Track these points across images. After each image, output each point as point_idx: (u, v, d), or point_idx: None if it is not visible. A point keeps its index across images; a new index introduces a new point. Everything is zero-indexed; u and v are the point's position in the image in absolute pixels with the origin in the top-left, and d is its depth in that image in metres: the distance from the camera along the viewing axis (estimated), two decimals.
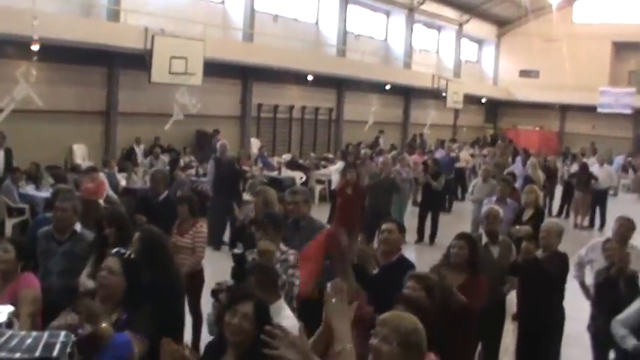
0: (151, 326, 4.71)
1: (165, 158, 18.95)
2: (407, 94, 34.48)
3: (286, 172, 21.17)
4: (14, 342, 3.49)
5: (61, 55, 18.12)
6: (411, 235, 15.90)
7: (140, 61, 18.72)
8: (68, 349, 3.44)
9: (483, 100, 41.11)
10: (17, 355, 3.34)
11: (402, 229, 6.77)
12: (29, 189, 14.53)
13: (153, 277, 5.53)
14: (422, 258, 12.69)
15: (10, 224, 13.17)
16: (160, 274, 5.73)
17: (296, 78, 26.53)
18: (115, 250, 5.26)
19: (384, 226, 6.56)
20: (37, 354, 3.35)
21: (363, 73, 28.85)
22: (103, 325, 4.14)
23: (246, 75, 24.86)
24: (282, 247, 6.48)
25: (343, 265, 5.42)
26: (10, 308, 4.13)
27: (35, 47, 17.16)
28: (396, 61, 34.01)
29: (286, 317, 5.22)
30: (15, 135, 16.25)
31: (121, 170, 17.21)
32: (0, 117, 17.49)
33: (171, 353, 3.94)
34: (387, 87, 31.29)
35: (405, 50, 34.09)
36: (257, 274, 5.34)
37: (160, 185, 9.54)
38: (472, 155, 26.91)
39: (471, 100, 37.33)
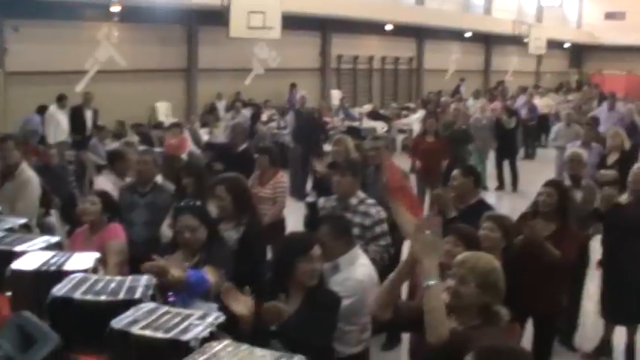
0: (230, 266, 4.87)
1: (246, 112, 19.12)
2: (487, 41, 33.83)
3: (368, 123, 21.15)
4: (99, 286, 3.62)
5: (141, 15, 18.37)
6: (493, 183, 15.77)
7: (218, 17, 18.84)
8: (150, 292, 3.55)
9: (566, 45, 39.97)
10: (102, 297, 3.46)
11: (469, 174, 6.70)
12: (114, 146, 14.85)
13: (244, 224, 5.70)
14: (503, 205, 12.57)
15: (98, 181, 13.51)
16: (249, 220, 5.85)
17: (375, 28, 26.31)
18: (183, 202, 5.36)
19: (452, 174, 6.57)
20: (121, 296, 3.47)
21: (443, 22, 28.40)
22: (174, 274, 4.25)
23: (324, 27, 24.79)
24: (361, 194, 6.48)
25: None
26: (96, 255, 4.27)
27: (115, 9, 17.46)
28: (476, 7, 33.35)
29: (361, 265, 5.22)
30: (100, 95, 16.63)
31: (203, 125, 17.46)
32: (85, 78, 17.92)
33: (234, 296, 4.02)
34: (467, 34, 30.77)
35: None
36: (329, 223, 5.37)
37: (239, 137, 9.70)
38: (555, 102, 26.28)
39: (553, 45, 36.32)
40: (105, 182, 7.49)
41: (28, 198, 7.00)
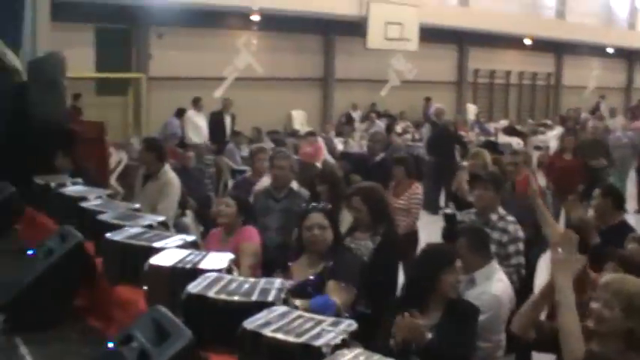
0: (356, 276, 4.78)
1: (381, 123, 19.08)
2: (631, 56, 32.54)
3: (503, 138, 20.71)
4: (233, 286, 3.62)
5: (280, 24, 18.67)
6: (633, 204, 15.08)
7: (356, 27, 18.91)
8: (283, 295, 3.52)
9: None
10: (235, 297, 3.46)
11: (608, 193, 6.40)
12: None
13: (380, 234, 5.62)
14: None
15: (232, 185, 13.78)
16: (386, 230, 5.77)
17: (513, 42, 25.81)
18: (312, 205, 5.32)
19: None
20: (254, 297, 3.45)
21: (584, 36, 27.52)
22: (298, 305, 4.20)
23: (462, 40, 24.53)
24: (501, 210, 6.29)
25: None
26: (230, 256, 4.29)
27: (255, 18, 17.79)
28: (620, 21, 32.15)
29: (499, 280, 5.09)
30: (237, 102, 16.99)
31: (337, 135, 17.53)
32: (224, 85, 18.33)
33: (409, 326, 3.95)
34: (609, 50, 29.70)
35: (629, 10, 32.12)
36: (468, 235, 5.23)
37: (377, 146, 9.62)
38: None
39: None
40: None
41: (169, 199, 7.14)
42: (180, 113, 16.31)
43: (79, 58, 15.78)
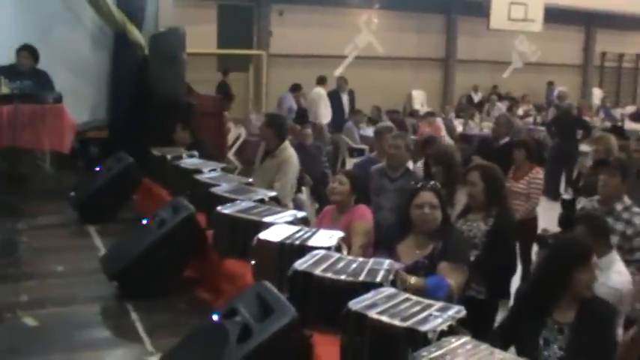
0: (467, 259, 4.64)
1: (502, 106, 18.65)
2: None
3: (630, 125, 19.87)
4: (340, 265, 3.55)
5: (402, 3, 18.47)
6: None
7: (479, 7, 18.52)
8: (391, 277, 3.42)
9: None
10: (342, 277, 3.38)
11: None
12: (369, 131, 15.02)
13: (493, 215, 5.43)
14: None
15: (350, 163, 13.74)
16: (499, 212, 5.57)
17: None
18: (421, 183, 5.15)
19: None
20: (361, 278, 3.37)
21: None
22: (411, 281, 4.08)
23: (589, 21, 23.62)
24: (627, 200, 5.95)
25: None
26: (339, 234, 4.22)
27: None
28: None
29: (617, 272, 4.80)
30: (358, 80, 16.91)
31: (457, 116, 17.25)
32: (344, 63, 18.28)
33: None
34: None
35: None
36: (586, 222, 4.95)
37: (502, 129, 9.34)
38: None
39: None
40: None
41: (287, 177, 7.11)
42: (296, 89, 16.32)
43: (202, 35, 16.05)
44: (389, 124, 8.96)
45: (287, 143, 7.37)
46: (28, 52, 8.52)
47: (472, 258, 5.01)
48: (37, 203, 7.59)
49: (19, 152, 8.07)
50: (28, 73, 8.40)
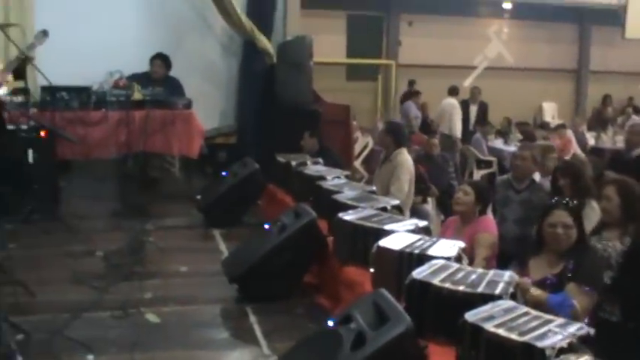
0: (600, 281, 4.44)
1: (637, 119, 17.93)
2: None
3: None
4: (460, 275, 3.49)
5: (533, 12, 18.07)
6: None
7: (613, 16, 17.88)
8: (511, 290, 3.33)
9: None
10: (460, 287, 3.32)
11: None
12: (497, 143, 14.78)
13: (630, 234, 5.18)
14: None
15: (478, 175, 13.54)
16: (638, 228, 5.32)
17: None
18: (556, 199, 4.98)
19: None
20: (480, 290, 3.29)
21: None
22: (533, 293, 3.95)
23: None
24: None
25: None
26: (460, 244, 4.15)
27: (507, 5, 17.37)
28: None
29: None
30: (487, 91, 16.65)
31: (589, 129, 16.71)
32: (473, 74, 18.07)
33: None
34: None
35: None
36: None
37: (636, 138, 8.94)
38: None
39: None
40: None
41: (401, 179, 7.10)
42: (411, 95, 16.14)
43: (331, 44, 16.20)
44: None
45: (403, 149, 7.34)
46: (161, 60, 8.82)
47: (606, 279, 4.80)
48: (165, 205, 7.83)
49: (150, 157, 8.34)
50: (160, 80, 8.68)
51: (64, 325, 4.39)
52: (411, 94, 16.14)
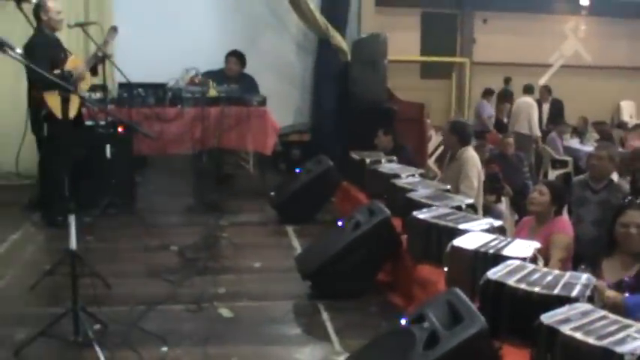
0: None
1: None
2: None
3: None
4: (535, 276, 3.44)
5: (611, 8, 17.65)
6: None
7: None
8: (588, 292, 3.26)
9: None
10: (536, 289, 3.26)
11: None
12: (573, 142, 14.51)
13: None
14: None
15: (553, 175, 13.32)
16: None
17: None
18: (629, 199, 4.87)
19: None
20: (556, 291, 3.23)
21: None
22: (609, 295, 3.86)
23: None
24: None
25: None
26: (536, 244, 4.09)
27: (584, 2, 17.04)
28: None
29: None
30: (563, 89, 16.36)
31: None
32: (549, 72, 17.78)
33: None
34: None
35: None
36: None
37: None
38: None
39: None
40: None
41: (469, 177, 7.02)
42: (488, 93, 15.93)
43: (405, 42, 16.11)
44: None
45: (468, 147, 7.27)
46: (237, 57, 8.91)
47: None
48: (240, 202, 7.93)
49: (224, 153, 8.43)
50: (235, 78, 8.77)
51: (139, 317, 4.50)
52: (504, 92, 15.88)
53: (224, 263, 5.81)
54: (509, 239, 4.22)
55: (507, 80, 16.37)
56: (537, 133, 13.81)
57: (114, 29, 7.05)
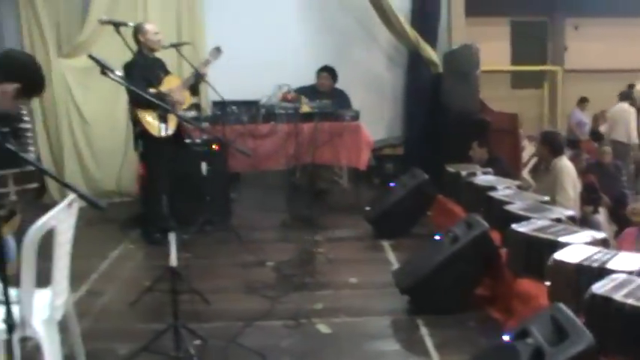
0: None
1: None
2: None
3: None
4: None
5: None
6: None
7: None
8: None
9: None
10: None
11: None
12: None
13: None
14: None
15: None
16: None
17: None
18: None
19: None
20: None
21: None
22: None
23: None
24: None
25: None
26: None
27: None
28: None
29: None
30: None
31: None
32: None
33: None
34: None
35: None
36: None
37: None
38: None
39: None
40: None
41: (564, 187, 6.87)
42: (582, 101, 15.57)
43: (496, 52, 15.92)
44: None
45: (562, 156, 7.11)
46: (328, 72, 8.96)
47: None
48: (334, 217, 7.93)
49: (318, 168, 8.47)
50: (327, 93, 8.81)
51: (238, 333, 4.54)
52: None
53: (320, 279, 5.83)
54: (613, 252, 4.09)
55: (631, 86, 15.92)
56: (636, 140, 13.40)
57: (217, 50, 7.16)
